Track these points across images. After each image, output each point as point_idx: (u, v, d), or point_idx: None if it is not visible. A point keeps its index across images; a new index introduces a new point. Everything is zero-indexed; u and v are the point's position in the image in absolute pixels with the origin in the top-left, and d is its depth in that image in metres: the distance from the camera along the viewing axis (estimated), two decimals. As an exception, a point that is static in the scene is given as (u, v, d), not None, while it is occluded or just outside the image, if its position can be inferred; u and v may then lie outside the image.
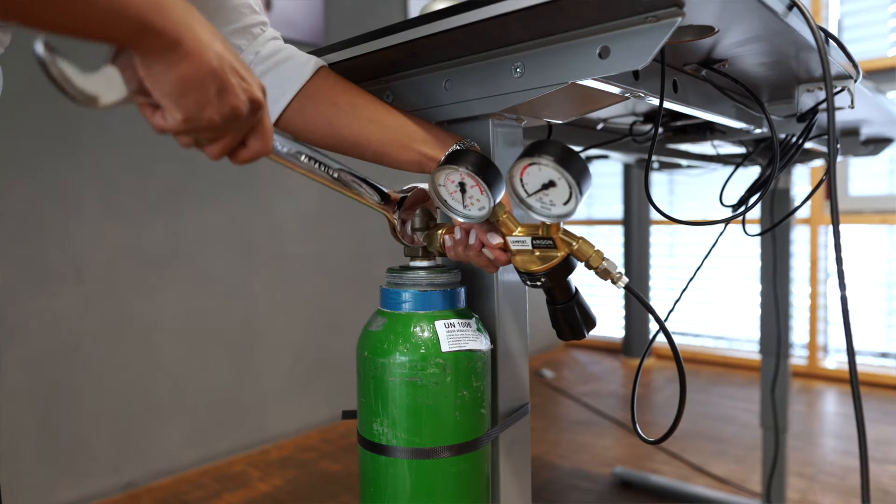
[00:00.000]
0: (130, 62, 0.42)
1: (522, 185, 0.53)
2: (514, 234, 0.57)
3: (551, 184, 0.51)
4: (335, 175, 0.62)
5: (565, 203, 0.52)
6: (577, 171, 0.50)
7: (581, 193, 0.50)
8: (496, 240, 0.59)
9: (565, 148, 0.50)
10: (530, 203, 0.54)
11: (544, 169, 0.50)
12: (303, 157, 0.60)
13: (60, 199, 1.81)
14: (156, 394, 2.02)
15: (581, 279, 0.59)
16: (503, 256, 0.60)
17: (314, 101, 0.67)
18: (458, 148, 0.63)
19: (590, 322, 0.60)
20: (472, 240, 0.61)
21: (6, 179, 1.71)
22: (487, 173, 0.54)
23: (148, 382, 2.00)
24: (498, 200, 0.56)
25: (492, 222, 0.59)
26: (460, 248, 0.62)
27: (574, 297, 0.59)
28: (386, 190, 0.68)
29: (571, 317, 0.59)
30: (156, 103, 0.44)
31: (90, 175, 1.87)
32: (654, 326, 3.54)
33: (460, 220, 0.59)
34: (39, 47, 0.36)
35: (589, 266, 0.56)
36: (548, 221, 0.54)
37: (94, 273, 1.88)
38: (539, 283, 0.58)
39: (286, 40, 0.71)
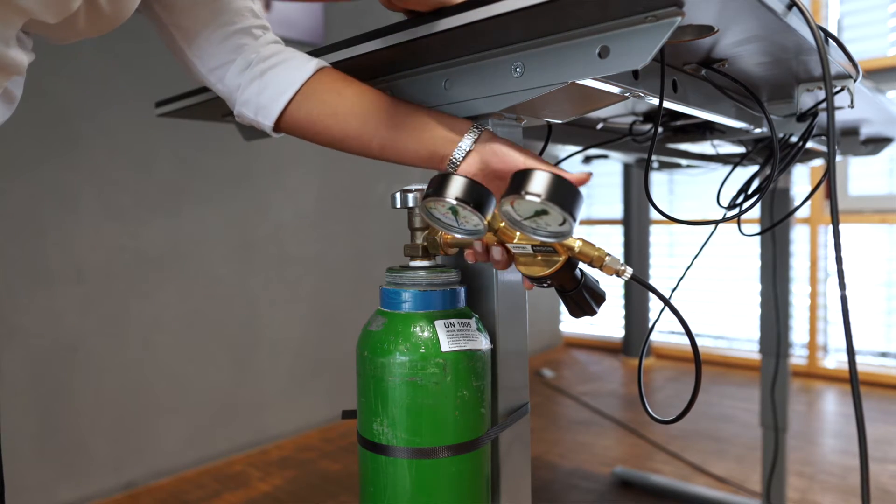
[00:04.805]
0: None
1: (515, 211, 0.52)
2: (514, 241, 0.57)
3: (543, 212, 0.50)
4: None
5: (561, 225, 0.51)
6: (565, 201, 0.48)
7: (574, 219, 0.49)
8: (495, 254, 0.60)
9: (549, 179, 0.48)
10: (526, 225, 0.53)
11: (532, 203, 0.50)
12: None
13: (60, 199, 1.81)
14: (155, 394, 2.02)
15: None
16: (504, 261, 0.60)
17: (318, 94, 0.66)
18: (469, 136, 0.62)
19: (599, 300, 0.61)
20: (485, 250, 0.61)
21: (6, 179, 1.71)
22: (474, 196, 0.53)
23: (148, 382, 2.00)
24: (491, 214, 0.55)
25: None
26: (500, 267, 0.62)
27: (581, 283, 0.59)
28: None
29: (581, 300, 0.60)
30: None
31: (89, 175, 1.87)
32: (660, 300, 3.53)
33: (458, 236, 0.58)
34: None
35: (592, 265, 0.56)
36: (548, 241, 0.54)
37: (94, 273, 1.88)
38: (546, 285, 0.58)
39: (285, 40, 0.72)
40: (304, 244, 2.47)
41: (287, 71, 0.66)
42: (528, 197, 0.48)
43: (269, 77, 0.66)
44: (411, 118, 0.64)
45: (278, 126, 0.69)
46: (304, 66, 0.66)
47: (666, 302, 0.57)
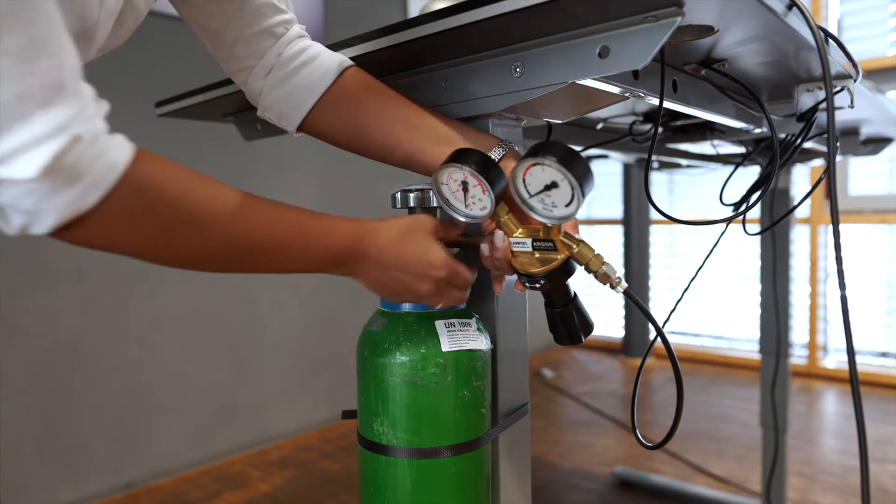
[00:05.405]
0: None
1: (525, 186, 0.53)
2: (514, 235, 0.57)
3: (554, 185, 0.51)
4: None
5: (567, 205, 0.52)
6: (580, 173, 0.50)
7: (583, 195, 0.50)
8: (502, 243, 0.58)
9: (569, 150, 0.50)
10: (532, 204, 0.54)
11: (547, 170, 0.51)
12: None
13: (60, 200, 1.81)
14: (155, 394, 2.02)
15: (581, 278, 0.59)
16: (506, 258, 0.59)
17: (341, 102, 0.65)
18: (497, 151, 0.62)
19: (587, 327, 0.60)
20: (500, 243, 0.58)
21: (6, 179, 1.71)
22: (490, 173, 0.55)
23: (148, 382, 2.00)
24: (500, 201, 0.56)
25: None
26: (498, 255, 0.58)
27: (572, 302, 0.59)
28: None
29: (569, 321, 0.59)
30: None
31: (90, 175, 1.87)
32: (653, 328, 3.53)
33: (461, 219, 0.59)
34: None
35: (588, 270, 0.56)
36: (549, 223, 0.54)
37: (94, 273, 1.88)
38: (538, 286, 0.58)
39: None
40: (304, 244, 2.46)
41: (308, 78, 0.65)
42: (547, 160, 0.49)
43: (291, 85, 0.66)
44: (436, 131, 0.63)
45: (301, 128, 0.69)
46: (326, 71, 0.65)
47: (657, 329, 0.56)
